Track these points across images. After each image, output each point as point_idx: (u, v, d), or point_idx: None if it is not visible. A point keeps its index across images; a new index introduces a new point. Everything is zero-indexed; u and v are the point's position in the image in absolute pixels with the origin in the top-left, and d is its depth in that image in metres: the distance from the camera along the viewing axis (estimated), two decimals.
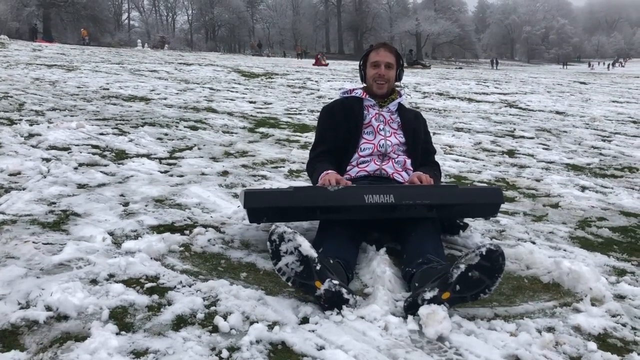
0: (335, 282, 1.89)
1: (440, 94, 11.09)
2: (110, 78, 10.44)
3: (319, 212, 2.39)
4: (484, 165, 4.62)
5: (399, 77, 2.92)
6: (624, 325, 1.92)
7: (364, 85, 2.94)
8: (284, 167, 4.14)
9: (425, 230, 2.35)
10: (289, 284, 1.95)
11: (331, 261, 2.06)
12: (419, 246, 2.24)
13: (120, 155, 4.12)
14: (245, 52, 59.47)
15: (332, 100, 3.04)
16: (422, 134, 2.93)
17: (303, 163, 4.21)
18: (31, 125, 4.93)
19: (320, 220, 2.49)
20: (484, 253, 1.85)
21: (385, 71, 2.82)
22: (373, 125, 2.80)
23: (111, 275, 2.07)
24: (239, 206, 2.97)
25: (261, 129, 5.81)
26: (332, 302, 1.88)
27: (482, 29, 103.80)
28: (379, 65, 2.81)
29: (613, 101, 11.80)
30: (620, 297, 2.14)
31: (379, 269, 2.20)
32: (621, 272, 2.41)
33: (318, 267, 1.91)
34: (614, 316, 1.97)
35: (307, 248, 1.93)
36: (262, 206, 2.35)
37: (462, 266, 1.85)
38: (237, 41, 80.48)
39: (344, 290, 1.89)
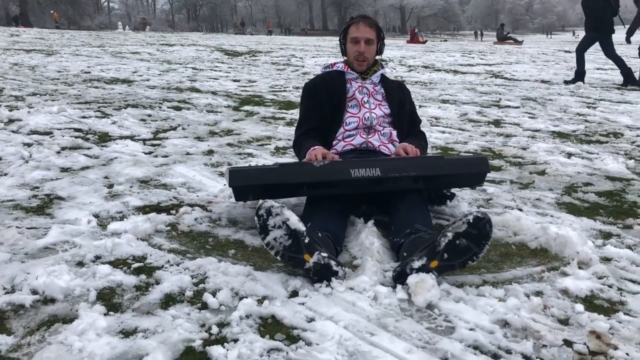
0: (324, 254, 1.89)
1: (426, 67, 11.04)
2: (92, 61, 10.28)
3: (305, 187, 2.38)
4: (470, 136, 4.62)
5: (379, 51, 2.88)
6: (610, 286, 1.94)
7: (345, 58, 2.90)
8: (270, 144, 4.11)
9: (413, 200, 2.34)
10: (278, 258, 1.94)
11: (319, 234, 2.06)
12: (407, 217, 2.24)
13: (104, 138, 4.07)
14: (228, 31, 58.83)
15: (313, 77, 3.00)
16: (407, 105, 2.91)
17: (289, 140, 4.18)
18: (11, 110, 4.85)
19: (307, 195, 2.48)
20: (471, 221, 1.85)
21: (365, 47, 2.77)
22: (357, 98, 2.77)
23: (97, 257, 2.05)
24: (225, 184, 2.95)
25: (246, 107, 5.76)
26: (321, 275, 1.88)
27: (466, 0, 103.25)
28: (358, 41, 2.77)
29: (597, 68, 11.82)
30: (606, 260, 2.16)
31: (367, 241, 2.20)
32: (607, 235, 2.43)
33: (306, 241, 1.90)
34: (600, 278, 1.99)
35: (295, 222, 1.92)
36: (247, 184, 2.33)
37: (450, 234, 1.86)
38: (220, 20, 79.57)
39: (332, 263, 1.89)
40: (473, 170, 2.56)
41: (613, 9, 8.47)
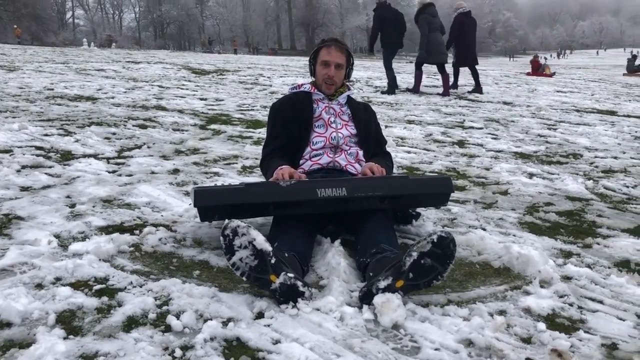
0: (291, 275, 1.88)
1: (442, 95, 11.16)
2: (55, 78, 10.10)
3: (272, 207, 2.37)
4: (435, 156, 4.69)
5: (347, 75, 2.91)
6: (570, 305, 1.98)
7: (313, 79, 2.92)
8: (237, 163, 4.09)
9: (378, 220, 2.36)
10: (244, 278, 1.92)
11: (286, 254, 2.05)
12: (373, 236, 2.25)
13: (66, 156, 3.98)
14: (196, 50, 58.66)
15: (281, 97, 3.01)
16: (373, 125, 2.95)
17: (256, 159, 4.17)
18: None
19: (273, 215, 2.47)
20: (435, 240, 1.87)
21: (335, 72, 2.81)
22: (324, 118, 2.79)
23: (58, 279, 2.00)
24: (190, 204, 2.91)
25: (213, 126, 5.73)
26: (288, 296, 1.87)
27: None
28: (328, 65, 2.81)
29: (557, 91, 12.18)
30: (567, 278, 2.21)
31: (334, 261, 2.20)
32: (568, 254, 2.49)
33: (273, 261, 1.89)
34: (561, 297, 2.03)
35: (261, 242, 1.91)
36: (212, 204, 2.31)
37: (415, 254, 1.87)
38: (187, 38, 79.34)
39: (299, 283, 1.88)
40: (437, 190, 2.60)
41: (400, 29, 10.07)
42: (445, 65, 10.07)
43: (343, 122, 2.83)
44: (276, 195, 2.32)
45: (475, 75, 10.70)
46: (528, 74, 18.79)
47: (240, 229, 1.90)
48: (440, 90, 10.26)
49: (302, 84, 2.93)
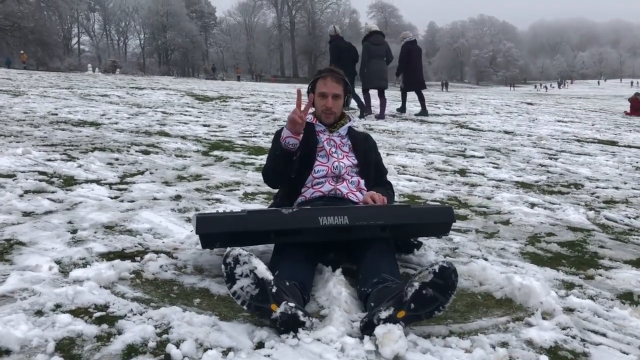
0: (292, 304, 1.87)
1: (393, 116, 11.25)
2: (59, 103, 10.19)
3: (273, 235, 2.37)
4: (436, 185, 4.70)
5: (346, 104, 2.96)
6: (573, 337, 1.96)
7: (314, 109, 2.96)
8: (238, 189, 4.10)
9: (380, 249, 2.36)
10: (244, 307, 1.91)
11: (287, 283, 2.04)
12: (374, 266, 2.25)
13: (69, 182, 4.00)
14: (199, 76, 59.21)
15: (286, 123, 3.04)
16: (374, 155, 2.99)
17: (259, 185, 4.19)
18: None
19: (275, 243, 2.47)
20: (437, 271, 1.86)
21: (333, 102, 2.85)
22: (326, 149, 2.84)
23: (58, 306, 1.99)
24: (191, 231, 2.92)
25: (215, 152, 5.76)
26: (289, 325, 1.86)
27: (432, 52, 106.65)
28: (326, 96, 2.85)
29: (558, 121, 12.24)
30: (569, 310, 2.19)
31: (335, 290, 2.20)
32: (570, 286, 2.48)
33: (274, 290, 1.89)
34: (564, 329, 2.02)
35: (262, 270, 1.90)
36: (214, 231, 2.31)
37: (416, 284, 1.86)
38: (191, 65, 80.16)
39: (300, 313, 1.87)
40: (439, 219, 2.60)
41: (353, 59, 10.90)
42: (385, 90, 10.82)
43: (344, 153, 2.87)
44: (278, 223, 2.32)
45: (421, 99, 11.57)
46: (627, 113, 15.97)
47: (241, 257, 1.90)
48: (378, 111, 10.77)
49: None
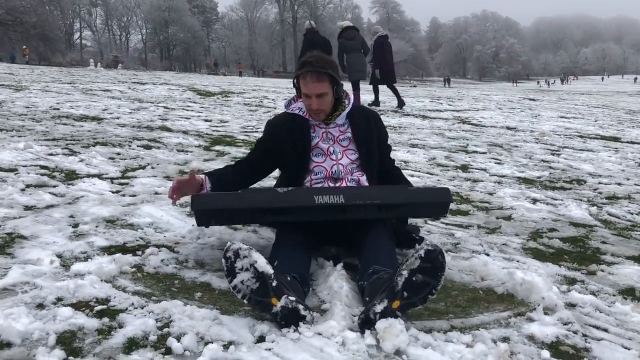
0: (292, 298, 1.87)
1: (395, 112, 11.23)
2: (61, 98, 10.18)
3: (268, 214, 2.35)
4: (438, 180, 4.69)
5: (337, 94, 2.68)
6: (575, 332, 1.96)
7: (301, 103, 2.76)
8: None
9: (378, 240, 2.35)
10: (245, 302, 1.91)
11: (288, 278, 2.04)
12: (371, 256, 2.25)
13: (71, 176, 4.00)
14: (202, 72, 59.19)
15: (279, 114, 2.92)
16: (376, 138, 2.82)
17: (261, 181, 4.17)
18: None
19: (268, 223, 2.45)
20: (423, 255, 1.88)
21: (318, 102, 2.61)
22: (322, 148, 2.68)
23: (59, 299, 1.99)
24: (193, 225, 2.92)
25: (217, 148, 5.76)
26: (289, 320, 1.86)
27: (435, 48, 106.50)
28: (310, 97, 2.62)
29: (561, 117, 12.21)
30: (571, 306, 2.19)
31: (336, 285, 2.19)
32: (572, 281, 2.47)
33: (274, 284, 1.89)
34: (565, 324, 2.01)
35: (263, 265, 1.90)
36: (209, 208, 2.31)
37: (405, 273, 1.87)
38: (193, 60, 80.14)
39: (301, 307, 1.87)
40: (436, 200, 2.56)
41: (327, 53, 10.92)
42: (361, 83, 11.28)
43: (343, 148, 2.70)
44: (273, 201, 2.31)
45: (395, 92, 11.87)
46: None
47: (242, 251, 1.91)
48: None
49: (296, 106, 2.78)
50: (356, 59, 10.69)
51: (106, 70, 31.00)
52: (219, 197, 2.39)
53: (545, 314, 2.07)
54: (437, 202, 2.57)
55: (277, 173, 2.97)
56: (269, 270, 1.91)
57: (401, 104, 11.78)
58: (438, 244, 2.05)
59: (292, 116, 2.76)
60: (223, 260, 1.92)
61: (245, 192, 2.36)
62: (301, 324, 1.85)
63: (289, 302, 1.86)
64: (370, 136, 2.79)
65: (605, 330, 2.01)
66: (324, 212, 2.33)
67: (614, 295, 2.33)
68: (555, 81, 75.76)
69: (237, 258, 1.90)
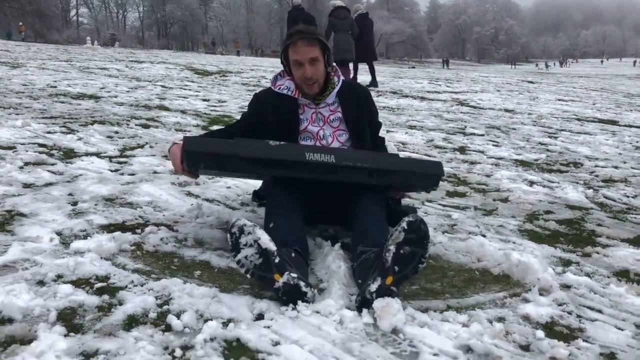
0: (294, 275, 1.89)
1: (394, 93, 11.21)
2: (58, 75, 10.12)
3: (259, 165, 2.33)
4: None
5: (328, 63, 2.59)
6: (569, 313, 1.99)
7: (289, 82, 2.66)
8: None
9: (367, 214, 2.33)
10: (248, 276, 1.95)
11: (292, 254, 2.07)
12: (357, 236, 2.27)
13: (69, 154, 4.00)
14: (199, 50, 58.73)
15: (266, 88, 2.80)
16: (366, 115, 2.74)
17: None
18: None
19: (259, 175, 2.40)
20: (406, 227, 1.92)
21: (311, 69, 2.50)
22: (311, 132, 2.61)
23: (59, 276, 2.01)
24: (192, 204, 2.93)
25: (215, 127, 5.74)
26: (290, 295, 1.88)
27: (433, 29, 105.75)
28: (301, 64, 2.51)
29: (559, 99, 12.20)
30: (566, 287, 2.21)
31: (334, 264, 2.21)
32: (567, 263, 2.50)
33: (277, 260, 1.92)
34: (560, 305, 2.04)
35: (266, 241, 1.94)
36: (200, 150, 2.30)
37: (392, 247, 1.91)
38: (190, 39, 79.47)
39: (302, 284, 1.89)
40: (428, 171, 2.50)
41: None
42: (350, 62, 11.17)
43: (333, 129, 2.63)
44: (264, 152, 2.30)
45: (371, 70, 11.94)
46: None
47: (246, 227, 1.95)
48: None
49: (284, 84, 2.66)
50: (343, 38, 10.70)
51: (103, 48, 30.73)
52: (211, 142, 2.39)
53: (540, 294, 2.10)
54: (428, 174, 2.49)
55: None
56: (272, 246, 1.94)
57: (374, 84, 11.82)
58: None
59: (279, 97, 2.64)
60: (228, 236, 1.95)
61: (239, 140, 2.33)
62: (299, 301, 1.87)
63: (290, 279, 1.88)
64: (360, 116, 2.70)
65: (599, 311, 2.04)
66: (314, 169, 2.30)
67: (608, 277, 2.36)
68: (555, 63, 75.46)
69: (241, 234, 1.93)
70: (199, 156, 2.31)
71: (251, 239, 1.93)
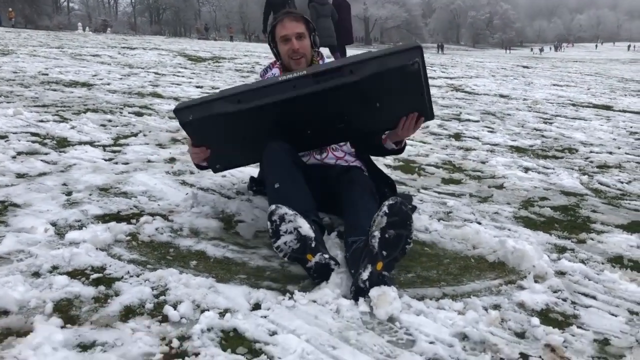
0: (326, 255, 1.99)
1: None
2: (50, 63, 10.02)
3: (242, 98, 2.35)
4: (431, 149, 4.70)
5: (314, 43, 2.74)
6: (564, 300, 2.00)
7: (280, 61, 2.78)
8: None
9: (357, 205, 2.35)
10: (285, 259, 2.02)
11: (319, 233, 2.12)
12: (347, 226, 2.30)
13: (62, 143, 3.97)
14: (192, 36, 58.28)
15: (269, 65, 2.87)
16: None
17: None
18: None
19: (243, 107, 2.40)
20: (387, 211, 1.94)
21: (298, 43, 2.65)
22: None
23: (55, 267, 2.00)
24: (187, 194, 2.92)
25: None
26: (321, 272, 1.98)
27: (428, 13, 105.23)
28: (289, 38, 2.64)
29: (554, 85, 12.20)
30: (561, 274, 2.23)
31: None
32: (562, 250, 2.51)
33: (313, 245, 1.99)
34: (555, 292, 2.05)
35: (306, 229, 2.00)
36: (189, 105, 2.38)
37: (377, 233, 1.93)
38: (183, 24, 78.84)
39: (332, 262, 1.98)
40: (403, 48, 2.36)
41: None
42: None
43: None
44: (244, 87, 2.35)
45: (343, 54, 11.59)
46: None
47: (287, 216, 2.00)
48: None
49: (270, 68, 2.79)
50: (325, 23, 10.64)
51: (94, 35, 30.46)
52: (198, 100, 2.44)
53: (536, 281, 2.11)
54: (405, 49, 2.34)
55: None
56: (311, 234, 2.00)
57: None
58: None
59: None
60: (268, 223, 2.00)
61: (221, 91, 2.42)
62: (296, 291, 1.90)
63: (322, 258, 1.97)
64: None
65: (594, 298, 2.05)
66: (295, 86, 2.30)
67: (602, 263, 2.37)
68: (550, 48, 75.33)
69: (282, 222, 1.99)
70: (187, 110, 2.37)
71: (292, 227, 1.99)
